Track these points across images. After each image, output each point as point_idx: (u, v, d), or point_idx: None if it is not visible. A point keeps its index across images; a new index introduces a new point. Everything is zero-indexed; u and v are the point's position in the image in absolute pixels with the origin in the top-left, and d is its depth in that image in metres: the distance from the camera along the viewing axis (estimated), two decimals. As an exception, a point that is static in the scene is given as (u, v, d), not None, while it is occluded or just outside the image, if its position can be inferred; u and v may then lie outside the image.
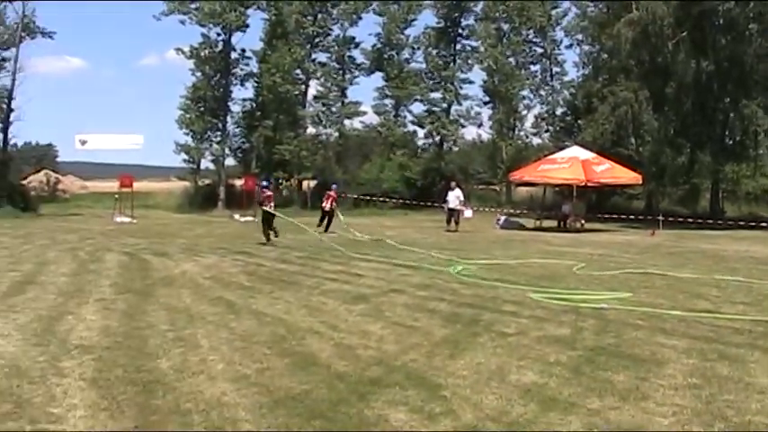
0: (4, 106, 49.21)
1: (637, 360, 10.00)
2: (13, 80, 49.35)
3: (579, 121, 55.83)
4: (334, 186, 36.25)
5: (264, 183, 30.25)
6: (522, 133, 61.59)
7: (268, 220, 27.19)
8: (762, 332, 11.84)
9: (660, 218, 38.04)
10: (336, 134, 61.45)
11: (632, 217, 41.74)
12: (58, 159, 66.45)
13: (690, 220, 39.56)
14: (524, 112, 61.39)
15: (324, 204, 33.91)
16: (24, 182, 54.32)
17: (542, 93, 60.88)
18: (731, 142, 49.75)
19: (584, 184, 38.20)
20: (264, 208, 27.31)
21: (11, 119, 49.67)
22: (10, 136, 51.38)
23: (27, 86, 58.40)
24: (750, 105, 45.94)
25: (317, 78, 60.37)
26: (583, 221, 38.75)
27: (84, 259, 21.23)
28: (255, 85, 57.17)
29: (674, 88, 46.88)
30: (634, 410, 7.90)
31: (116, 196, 39.67)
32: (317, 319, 12.48)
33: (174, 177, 60.76)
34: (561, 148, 44.84)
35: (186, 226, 31.23)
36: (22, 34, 49.62)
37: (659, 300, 15.07)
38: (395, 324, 12.20)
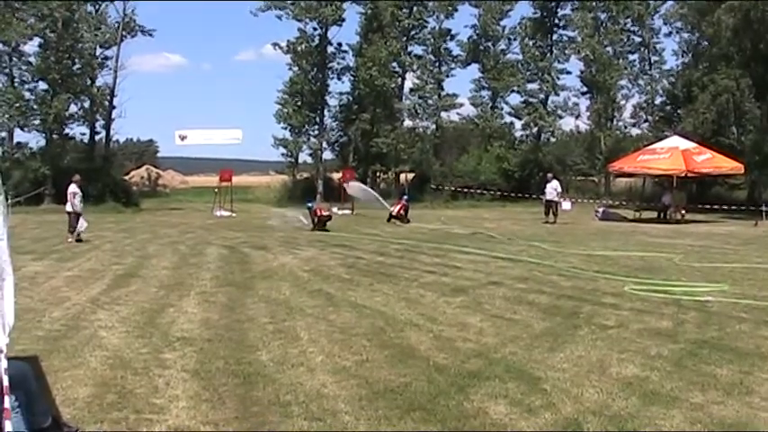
0: (107, 104, 50.50)
1: (740, 353, 9.73)
2: (115, 78, 50.67)
3: (679, 111, 54.52)
4: (405, 198, 36.64)
5: (309, 204, 30.95)
6: (620, 123, 60.48)
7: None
8: None
9: (763, 208, 36.91)
10: (433, 126, 61.31)
11: (734, 208, 40.63)
12: (159, 155, 68.02)
13: (794, 210, 38.33)
14: (622, 102, 60.25)
15: (392, 208, 34.45)
16: (126, 177, 55.71)
17: (641, 82, 59.57)
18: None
19: (684, 174, 37.37)
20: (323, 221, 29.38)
21: (113, 116, 51.04)
22: (112, 133, 52.88)
23: (128, 84, 59.72)
24: None
25: (414, 71, 60.33)
26: (683, 212, 37.89)
27: (185, 253, 21.65)
28: (352, 78, 57.44)
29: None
30: (738, 405, 7.69)
31: (216, 190, 40.37)
32: (416, 312, 12.48)
33: (273, 171, 61.59)
34: (661, 138, 43.90)
35: (285, 219, 31.57)
36: (123, 33, 50.82)
37: (763, 292, 14.66)
38: (494, 316, 12.13)
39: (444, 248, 22.73)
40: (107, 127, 51.40)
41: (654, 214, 38.66)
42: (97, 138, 52.03)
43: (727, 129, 50.84)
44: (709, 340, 10.48)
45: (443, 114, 60.85)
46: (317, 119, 56.59)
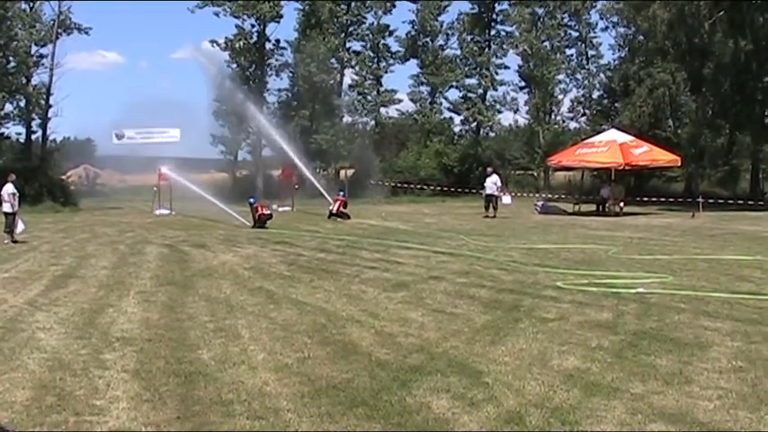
0: (43, 102, 49.59)
1: (680, 344, 9.90)
2: (51, 76, 49.62)
3: (616, 104, 55.31)
4: (341, 193, 36.69)
5: (251, 200, 30.73)
6: (558, 118, 61.05)
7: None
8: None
9: (700, 200, 37.57)
10: (373, 122, 61.25)
11: (672, 199, 41.32)
12: (97, 154, 66.91)
13: (730, 201, 39.07)
14: (561, 97, 60.81)
15: (333, 207, 34.37)
16: (64, 177, 54.71)
17: (578, 76, 60.20)
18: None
19: (622, 167, 37.83)
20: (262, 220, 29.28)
21: (49, 115, 50.09)
22: (49, 132, 51.73)
23: (64, 82, 58.69)
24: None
25: (352, 67, 60.17)
26: (622, 205, 38.35)
27: (125, 252, 21.38)
28: (291, 75, 57.19)
29: (712, 69, 46.28)
30: (678, 395, 7.81)
31: (155, 189, 39.92)
32: (358, 308, 12.48)
33: (213, 170, 61.03)
34: (598, 132, 44.32)
35: (225, 216, 31.33)
36: (59, 31, 49.91)
37: (701, 282, 14.94)
38: (435, 311, 12.17)
39: (386, 244, 22.75)
40: (43, 126, 50.37)
41: (593, 207, 39.07)
42: (33, 137, 50.94)
43: (663, 122, 51.79)
44: (648, 331, 10.63)
45: (382, 110, 60.83)
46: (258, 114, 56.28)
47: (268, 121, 47.63)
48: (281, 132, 46.70)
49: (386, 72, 60.88)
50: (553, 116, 60.67)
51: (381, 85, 60.51)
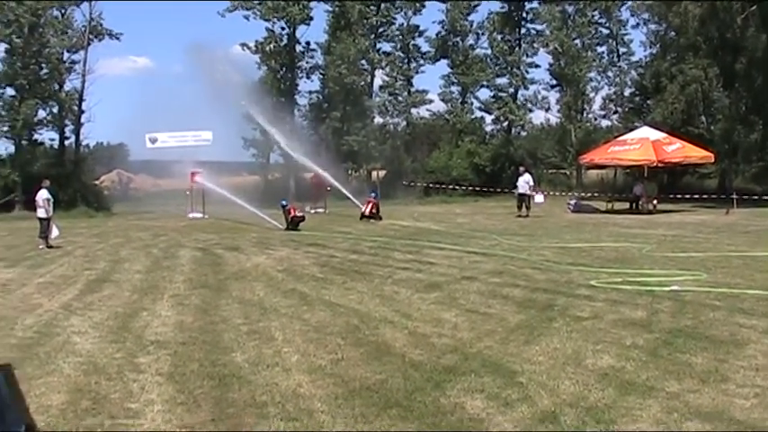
0: (75, 108, 49.95)
1: (715, 341, 9.81)
2: (83, 82, 49.98)
3: (648, 102, 54.82)
4: (373, 194, 36.62)
5: (283, 203, 30.74)
6: (590, 116, 60.64)
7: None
8: None
9: (734, 196, 37.15)
10: (404, 123, 61.24)
11: (705, 196, 40.94)
12: (130, 158, 67.36)
13: (765, 197, 38.63)
14: (592, 95, 60.40)
15: (364, 209, 34.26)
16: (97, 182, 55.13)
17: (610, 74, 59.73)
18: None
19: (655, 164, 37.51)
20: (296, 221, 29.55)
21: (82, 120, 50.45)
22: (82, 137, 52.06)
23: (96, 88, 59.03)
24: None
25: (383, 68, 60.17)
26: (655, 202, 38.05)
27: (158, 256, 21.50)
28: (321, 77, 57.31)
29: (745, 64, 45.79)
30: (714, 393, 7.74)
31: (187, 193, 40.12)
32: (391, 309, 12.48)
33: (245, 173, 61.31)
34: (631, 129, 44.03)
35: (258, 219, 31.44)
36: (90, 36, 50.30)
37: (736, 279, 14.80)
38: (469, 311, 12.14)
39: (418, 245, 22.73)
40: (76, 132, 50.78)
41: (626, 205, 38.84)
42: (67, 143, 51.36)
43: (696, 118, 51.21)
44: (683, 329, 10.54)
45: (413, 111, 60.77)
46: (288, 118, 56.41)
47: (291, 135, 47.52)
48: (311, 136, 46.93)
49: (416, 73, 60.84)
50: (585, 114, 60.29)
51: (412, 86, 60.48)
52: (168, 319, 12.03)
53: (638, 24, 59.80)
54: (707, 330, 10.45)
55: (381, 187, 48.33)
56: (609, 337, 10.11)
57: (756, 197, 38.56)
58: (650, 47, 58.70)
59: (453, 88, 60.88)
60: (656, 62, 54.08)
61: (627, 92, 59.81)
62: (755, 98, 46.41)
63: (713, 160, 41.48)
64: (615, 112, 60.13)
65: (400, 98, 59.82)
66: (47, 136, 51.28)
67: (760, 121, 48.31)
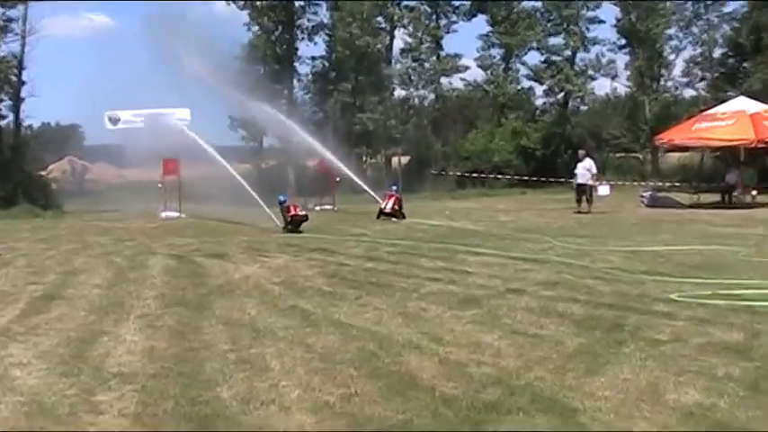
0: (14, 78, 49.44)
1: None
2: (23, 45, 49.35)
3: (745, 65, 54.64)
4: (394, 188, 36.58)
5: (282, 199, 30.59)
6: (669, 84, 60.61)
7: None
8: None
9: None
10: (432, 96, 61.38)
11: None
12: (86, 143, 67.41)
13: None
14: (671, 57, 60.37)
15: (384, 204, 34.24)
16: (44, 172, 55.35)
17: (694, 30, 59.60)
18: None
19: (754, 144, 37.32)
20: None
21: (22, 94, 50.04)
22: (23, 116, 51.44)
23: (41, 53, 58.47)
24: None
25: (405, 27, 60.33)
26: (754, 193, 37.93)
27: (122, 266, 21.53)
28: (327, 39, 57.41)
29: None
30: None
31: (159, 186, 40.19)
32: (417, 330, 12.45)
33: (234, 160, 61.55)
34: (722, 101, 43.87)
35: (249, 219, 31.52)
36: (31, -13, 49.89)
37: None
38: (515, 333, 12.10)
39: (450, 249, 22.71)
40: (15, 109, 50.56)
41: (716, 197, 38.70)
42: (3, 123, 51.32)
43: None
44: (792, 356, 10.49)
45: (444, 81, 60.93)
46: (285, 91, 56.53)
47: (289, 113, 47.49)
48: (314, 114, 46.91)
49: (447, 32, 60.99)
50: (662, 82, 60.18)
51: (442, 49, 60.64)
52: (135, 346, 12.03)
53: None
54: (824, 356, 10.40)
55: (404, 177, 48.36)
56: (695, 366, 10.05)
57: None
58: (748, -6, 58.48)
59: (494, 51, 61.10)
60: (755, 14, 53.78)
61: (717, 53, 59.59)
62: None
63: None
64: (702, 79, 60.00)
65: (427, 65, 59.96)
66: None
67: None
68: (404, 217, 33.54)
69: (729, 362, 10.17)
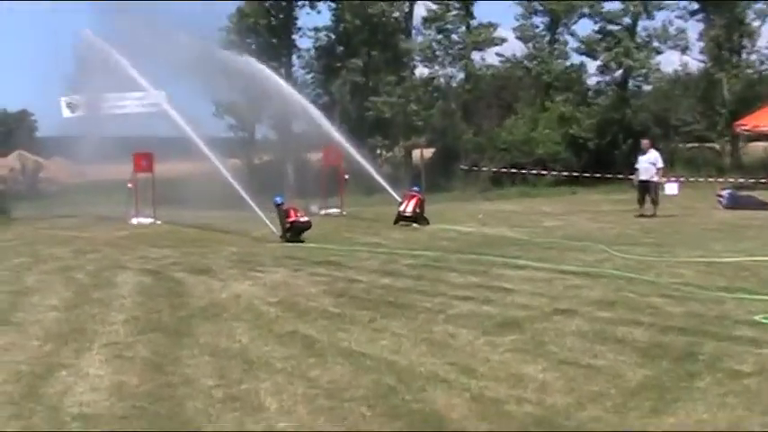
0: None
1: None
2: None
3: None
4: (416, 188, 36.60)
5: (278, 200, 30.53)
6: (753, 58, 60.46)
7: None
8: None
9: None
10: (461, 75, 61.41)
11: None
12: (39, 134, 67.45)
13: None
14: (756, 24, 60.20)
15: (403, 207, 34.12)
16: (-14, 170, 55.52)
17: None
18: None
19: None
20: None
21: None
22: (-40, 102, 52.26)
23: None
24: None
25: (428, -9, 60.44)
26: None
27: (85, 284, 21.52)
28: (333, 6, 57.49)
29: None
30: None
31: (130, 186, 40.24)
32: (444, 360, 12.47)
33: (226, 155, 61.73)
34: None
35: (239, 225, 31.57)
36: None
37: None
38: (564, 363, 12.11)
39: (485, 261, 22.72)
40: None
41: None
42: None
43: None
44: None
45: (476, 56, 60.90)
46: (283, 70, 56.60)
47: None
48: (318, 98, 46.91)
49: (479, -3, 60.84)
50: (744, 56, 60.02)
51: (473, 18, 60.56)
52: (100, 381, 12.06)
53: None
54: None
55: (427, 174, 48.41)
56: (785, 403, 10.05)
57: None
58: None
59: (537, 20, 61.09)
60: None
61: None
62: None
63: None
64: (795, 51, 59.79)
65: (455, 37, 59.95)
66: None
67: None
68: (427, 222, 33.54)
69: (828, 398, 10.17)
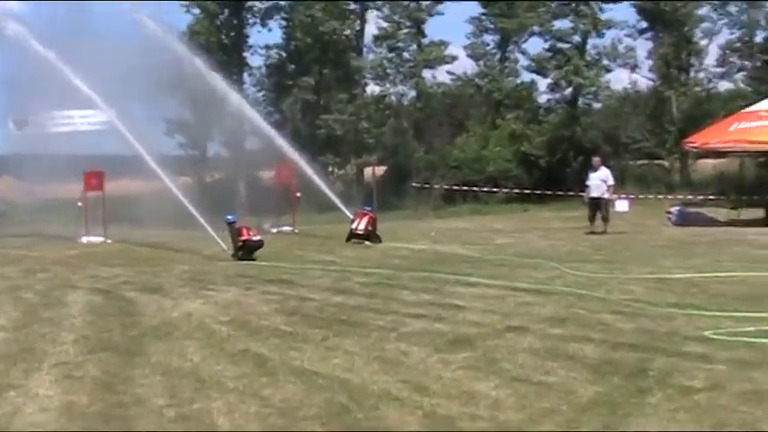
0: None
1: None
2: None
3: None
4: (367, 208, 36.70)
5: (230, 219, 30.46)
6: (701, 75, 60.88)
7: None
8: None
9: None
10: (413, 93, 61.49)
11: None
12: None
13: None
14: (704, 43, 60.64)
15: (356, 225, 34.12)
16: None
17: (731, 10, 59.91)
18: None
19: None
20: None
21: None
22: None
23: None
24: None
25: (378, 9, 60.47)
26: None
27: (34, 303, 21.33)
28: (284, 24, 57.49)
29: None
30: None
31: (80, 204, 40.03)
32: (396, 378, 12.47)
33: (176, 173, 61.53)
34: (766, 95, 44.08)
35: (190, 244, 31.47)
36: None
37: None
38: (516, 380, 12.14)
39: (437, 279, 22.74)
40: None
41: (760, 212, 38.86)
42: None
43: None
44: None
45: (427, 74, 61.01)
46: (235, 87, 56.48)
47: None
48: (269, 115, 46.80)
49: (430, 15, 61.02)
50: (692, 73, 60.43)
51: (424, 36, 60.65)
52: (50, 401, 11.98)
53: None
54: None
55: (380, 192, 48.45)
56: (736, 420, 10.11)
57: None
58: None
59: (488, 38, 61.18)
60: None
61: (759, 36, 59.87)
62: None
63: None
64: (740, 70, 60.22)
65: (406, 54, 60.03)
66: None
67: None
68: (379, 240, 33.54)
69: (778, 413, 10.24)
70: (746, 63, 59.68)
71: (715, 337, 14.40)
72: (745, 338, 14.15)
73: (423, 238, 34.50)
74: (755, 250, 27.34)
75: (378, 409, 11.01)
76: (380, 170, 59.08)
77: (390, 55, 60.02)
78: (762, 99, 42.85)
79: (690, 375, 12.04)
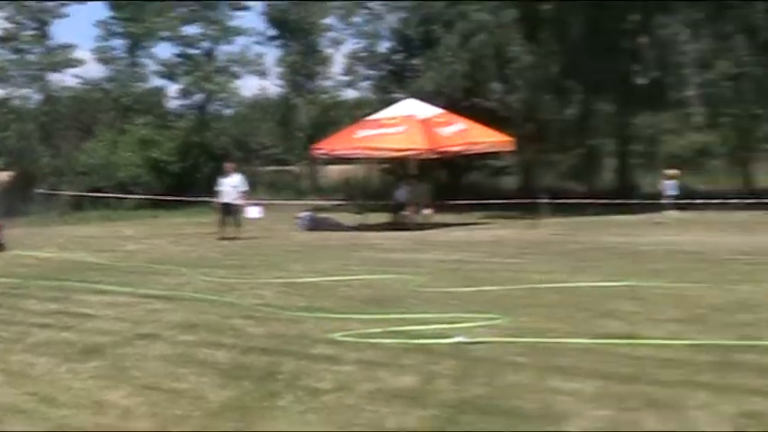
0: None
1: (522, 416, 10.12)
2: None
3: (414, 61, 56.27)
4: None
5: None
6: (328, 83, 61.86)
7: None
8: (706, 362, 12.21)
9: (544, 200, 38.76)
10: (38, 97, 60.17)
11: (503, 201, 42.40)
12: None
13: (588, 201, 40.48)
14: (330, 51, 61.64)
15: None
16: None
17: (357, 20, 61.08)
18: (644, 82, 50.06)
19: (426, 155, 38.43)
20: None
21: None
22: None
23: None
24: (671, 24, 46.55)
25: (0, 9, 58.91)
26: (427, 212, 39.11)
27: None
28: None
29: (555, 5, 47.57)
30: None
31: None
32: (22, 390, 12.13)
33: None
34: (389, 103, 45.00)
35: None
36: None
37: (550, 324, 15.37)
38: (147, 388, 11.99)
39: (66, 287, 22.28)
40: None
41: (385, 217, 39.61)
42: None
43: (485, 85, 52.91)
44: (473, 401, 10.81)
45: (53, 77, 59.85)
46: None
47: None
48: None
49: (56, 17, 59.87)
50: (319, 81, 61.29)
51: (49, 38, 59.45)
52: None
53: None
54: (508, 401, 10.76)
55: (5, 198, 47.08)
56: (363, 419, 10.23)
57: (576, 200, 40.37)
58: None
59: (115, 42, 60.49)
60: (426, 3, 55.38)
61: (383, 47, 61.23)
62: (572, 55, 48.00)
63: (513, 147, 42.80)
64: (366, 78, 61.46)
65: (30, 56, 58.66)
66: None
67: (579, 89, 50.30)
68: (3, 248, 32.67)
69: (402, 411, 10.42)
70: (371, 72, 60.89)
71: (343, 339, 14.61)
72: (372, 339, 14.42)
73: (50, 245, 33.76)
74: (381, 254, 27.94)
75: (2, 422, 10.69)
76: (5, 175, 57.51)
77: (14, 57, 58.55)
78: (385, 107, 43.74)
79: (318, 377, 12.16)
